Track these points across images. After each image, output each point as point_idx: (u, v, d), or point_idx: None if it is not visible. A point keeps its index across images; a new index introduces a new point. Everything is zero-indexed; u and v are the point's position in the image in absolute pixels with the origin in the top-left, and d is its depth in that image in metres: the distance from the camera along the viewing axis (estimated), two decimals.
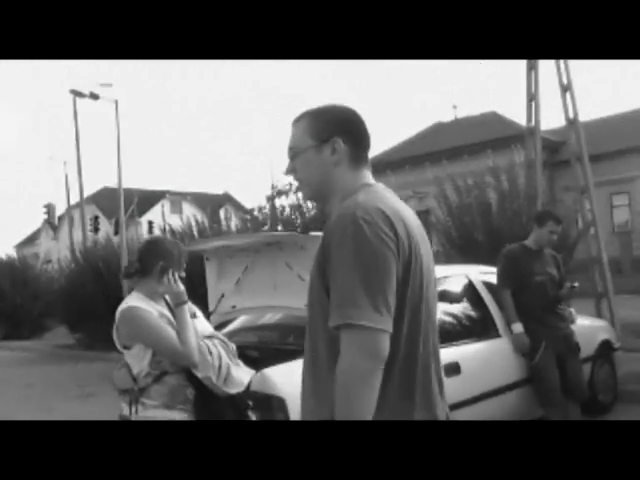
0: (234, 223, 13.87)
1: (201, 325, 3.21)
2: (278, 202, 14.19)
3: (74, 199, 30.37)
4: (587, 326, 5.74)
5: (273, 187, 20.25)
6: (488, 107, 30.05)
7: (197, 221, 13.41)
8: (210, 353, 3.05)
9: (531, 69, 10.17)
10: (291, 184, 20.25)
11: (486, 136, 21.92)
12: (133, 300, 3.04)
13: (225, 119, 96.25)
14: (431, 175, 21.13)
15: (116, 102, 15.26)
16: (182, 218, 14.13)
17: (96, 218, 28.17)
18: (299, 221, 12.06)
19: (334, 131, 1.79)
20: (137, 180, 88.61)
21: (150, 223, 37.56)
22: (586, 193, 9.97)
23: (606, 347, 5.96)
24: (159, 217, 37.28)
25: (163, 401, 2.93)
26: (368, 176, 1.82)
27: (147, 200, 43.29)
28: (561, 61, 9.94)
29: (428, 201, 9.83)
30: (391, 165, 23.11)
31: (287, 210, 13.15)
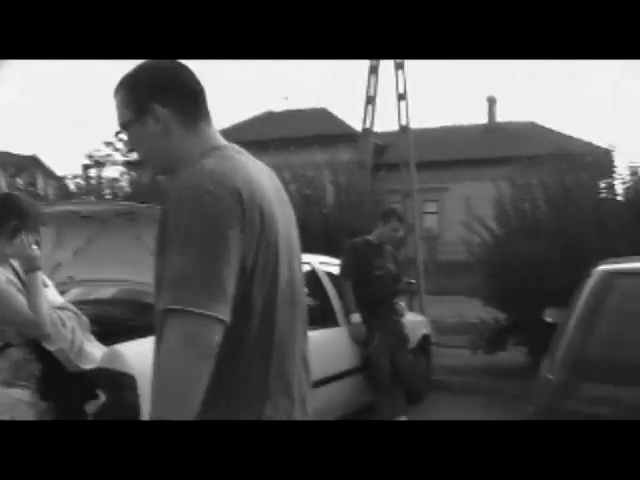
0: (51, 191, 12.95)
1: (52, 295, 2.97)
2: (95, 172, 13.55)
3: None
4: (411, 321, 6.15)
5: (90, 156, 19.19)
6: (319, 103, 30.85)
7: (5, 181, 12.30)
8: (64, 325, 2.84)
9: (372, 73, 10.64)
10: (110, 154, 19.35)
11: (315, 131, 22.54)
12: None
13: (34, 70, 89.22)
14: None
15: None
16: None
17: None
18: (122, 192, 11.56)
19: (149, 96, 1.55)
20: None
21: None
22: (409, 197, 10.68)
23: (425, 341, 6.45)
24: None
25: (3, 377, 2.64)
26: (215, 136, 1.61)
27: None
28: (400, 70, 10.51)
29: None
30: None
31: (103, 182, 12.61)
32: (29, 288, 2.74)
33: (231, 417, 1.45)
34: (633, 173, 7.29)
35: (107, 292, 4.89)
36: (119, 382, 3.15)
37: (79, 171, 13.99)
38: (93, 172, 14.40)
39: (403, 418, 4.76)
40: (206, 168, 1.43)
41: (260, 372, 1.50)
